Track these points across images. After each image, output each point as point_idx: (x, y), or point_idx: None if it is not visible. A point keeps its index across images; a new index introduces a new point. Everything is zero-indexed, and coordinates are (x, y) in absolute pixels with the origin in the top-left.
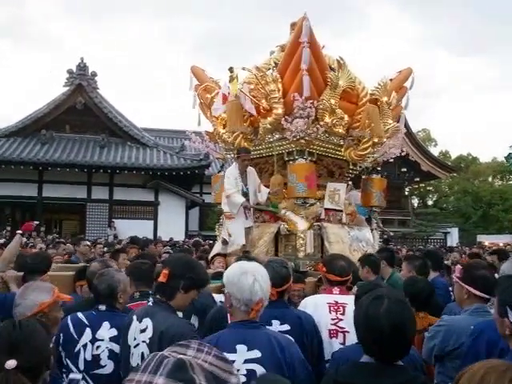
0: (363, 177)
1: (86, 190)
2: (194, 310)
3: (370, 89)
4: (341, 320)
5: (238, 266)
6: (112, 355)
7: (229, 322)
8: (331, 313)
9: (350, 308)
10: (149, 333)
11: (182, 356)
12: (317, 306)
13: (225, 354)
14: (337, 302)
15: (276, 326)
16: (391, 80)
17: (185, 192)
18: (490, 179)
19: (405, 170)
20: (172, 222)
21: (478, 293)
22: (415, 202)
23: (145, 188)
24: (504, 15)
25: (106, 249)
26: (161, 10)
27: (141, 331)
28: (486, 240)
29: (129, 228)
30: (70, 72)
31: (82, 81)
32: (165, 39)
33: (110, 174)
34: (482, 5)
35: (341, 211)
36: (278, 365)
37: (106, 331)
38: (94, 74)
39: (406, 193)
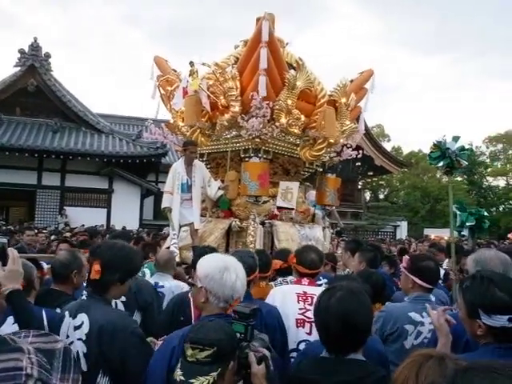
0: (318, 176)
1: (37, 176)
2: (138, 306)
3: (329, 90)
4: (308, 310)
5: (217, 261)
6: None
7: (192, 312)
8: (299, 302)
9: None
10: (85, 329)
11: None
12: (285, 295)
13: None
14: (305, 293)
15: None
16: (351, 81)
17: (140, 180)
18: (437, 175)
19: (359, 164)
20: (126, 210)
21: (421, 282)
22: (367, 195)
23: (99, 175)
24: (462, 18)
25: (53, 237)
26: None
27: (75, 328)
28: (432, 233)
29: (81, 216)
30: (21, 52)
31: (34, 62)
32: (124, 24)
33: (62, 160)
34: (443, 6)
35: (292, 209)
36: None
37: (9, 327)
38: (48, 56)
39: (359, 186)
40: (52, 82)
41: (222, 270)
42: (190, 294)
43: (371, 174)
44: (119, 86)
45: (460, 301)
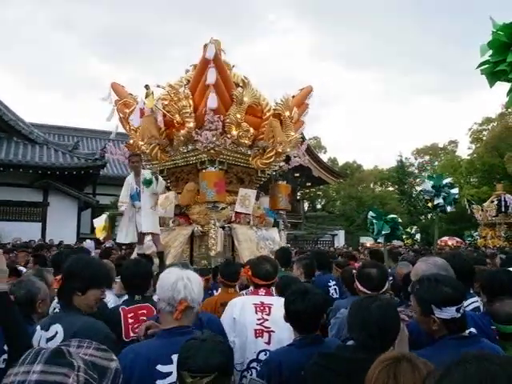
0: (271, 183)
1: None
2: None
3: (274, 104)
4: (266, 320)
5: (167, 269)
6: None
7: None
8: (257, 313)
9: (275, 308)
10: (59, 337)
11: (60, 346)
12: (243, 307)
13: (160, 366)
14: (263, 303)
15: None
16: (293, 97)
17: (77, 193)
18: (371, 185)
19: (297, 174)
20: (63, 224)
21: (361, 288)
22: (306, 205)
23: (32, 187)
24: (390, 35)
25: None
26: None
27: (47, 340)
28: (368, 242)
29: (13, 230)
30: None
31: None
32: (57, 29)
33: None
34: (374, 24)
35: (250, 214)
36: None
37: None
38: None
39: (298, 197)
40: None
41: (166, 273)
42: (120, 308)
43: (309, 184)
44: (53, 95)
45: (413, 303)
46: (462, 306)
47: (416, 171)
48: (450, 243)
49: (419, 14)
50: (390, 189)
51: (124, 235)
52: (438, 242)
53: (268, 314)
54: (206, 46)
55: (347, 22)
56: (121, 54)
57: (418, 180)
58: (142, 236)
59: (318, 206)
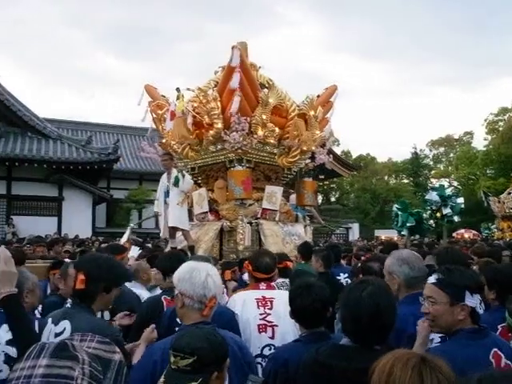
0: (296, 180)
1: None
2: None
3: (299, 104)
4: (269, 314)
5: (187, 264)
6: (8, 359)
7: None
8: (259, 308)
9: (277, 302)
10: (66, 335)
11: (64, 340)
12: (245, 302)
13: None
14: (264, 297)
15: None
16: (318, 96)
17: (92, 187)
18: (385, 178)
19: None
20: (78, 218)
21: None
22: (319, 198)
23: (47, 182)
24: (406, 24)
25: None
26: None
27: (56, 334)
28: (383, 234)
29: (30, 225)
30: None
31: None
32: (67, 24)
33: (7, 167)
34: (386, 14)
35: (276, 210)
36: (239, 364)
37: (4, 333)
38: None
39: None
40: None
41: (191, 270)
42: (163, 298)
43: (323, 177)
44: (65, 90)
45: (436, 294)
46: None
47: (431, 163)
48: (466, 236)
49: (432, 2)
50: (405, 181)
51: (162, 231)
52: (454, 234)
53: (270, 308)
54: (233, 48)
55: (358, 12)
56: (131, 48)
57: (432, 172)
58: (172, 231)
59: (332, 199)
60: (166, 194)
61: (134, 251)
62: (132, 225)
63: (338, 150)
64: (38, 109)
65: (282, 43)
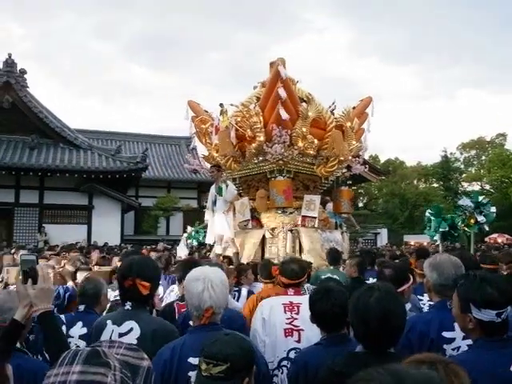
0: (333, 189)
1: (14, 193)
2: None
3: (336, 116)
4: (295, 319)
5: (195, 272)
6: None
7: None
8: (286, 313)
9: (305, 307)
10: (135, 333)
11: (94, 346)
12: (272, 307)
13: (191, 358)
14: (291, 303)
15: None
16: (354, 108)
17: (120, 195)
18: (415, 182)
19: (338, 174)
20: (107, 226)
21: None
22: None
23: (78, 191)
24: (434, 27)
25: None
26: (93, 4)
27: (120, 335)
28: (412, 240)
29: (61, 233)
30: None
31: (9, 78)
32: (97, 36)
33: (40, 177)
34: (410, 17)
35: (315, 218)
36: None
37: (78, 329)
38: (23, 72)
39: None
40: (28, 98)
41: (194, 280)
42: (175, 303)
43: (350, 182)
44: (95, 100)
45: (454, 298)
46: (504, 311)
47: (462, 166)
48: (499, 240)
49: (458, 3)
50: (435, 185)
51: (208, 237)
52: (486, 239)
53: (297, 313)
54: (271, 64)
55: (383, 17)
56: (159, 59)
57: (463, 176)
58: (218, 238)
59: (360, 205)
60: (214, 203)
61: (184, 251)
62: (185, 234)
63: (366, 155)
64: (69, 120)
65: (310, 49)
